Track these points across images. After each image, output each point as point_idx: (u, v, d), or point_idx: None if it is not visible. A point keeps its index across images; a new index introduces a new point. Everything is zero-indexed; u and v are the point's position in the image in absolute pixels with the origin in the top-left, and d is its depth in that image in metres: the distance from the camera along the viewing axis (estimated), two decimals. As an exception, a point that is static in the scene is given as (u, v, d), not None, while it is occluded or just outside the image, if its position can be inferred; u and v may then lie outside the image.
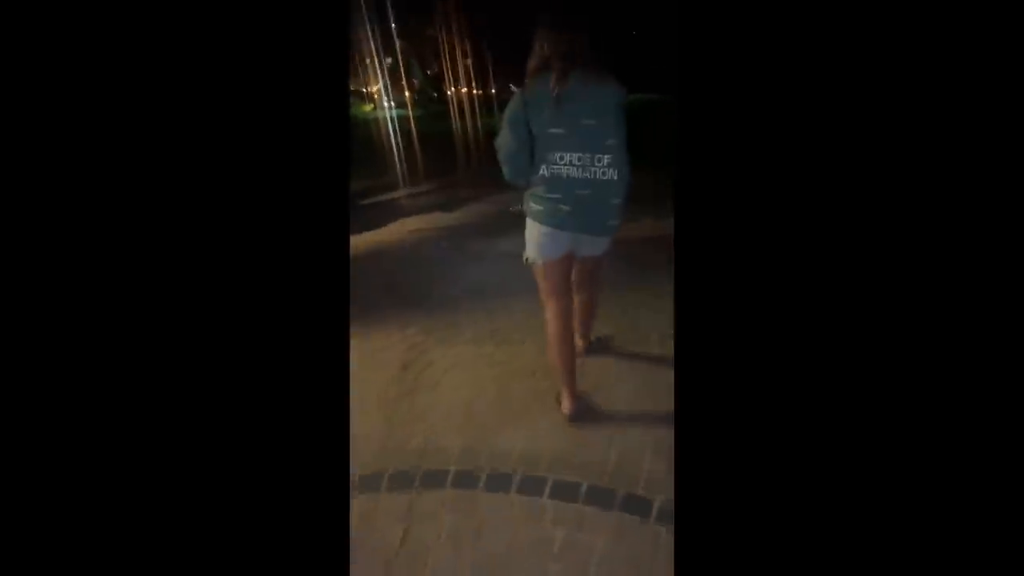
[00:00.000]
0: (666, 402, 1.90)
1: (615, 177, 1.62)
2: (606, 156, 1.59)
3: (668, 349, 2.26)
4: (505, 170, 1.69)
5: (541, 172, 1.64)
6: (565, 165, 1.60)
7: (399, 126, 12.55)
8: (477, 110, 18.75)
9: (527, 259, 1.81)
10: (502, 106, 2.17)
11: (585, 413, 1.91)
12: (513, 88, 1.90)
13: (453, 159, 8.77)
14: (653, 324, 2.46)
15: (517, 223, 1.86)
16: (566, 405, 1.90)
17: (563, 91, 1.54)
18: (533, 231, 1.74)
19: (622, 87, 1.59)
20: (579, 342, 2.17)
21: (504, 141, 1.65)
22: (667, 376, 2.07)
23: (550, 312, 1.85)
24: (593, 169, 1.61)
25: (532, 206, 1.71)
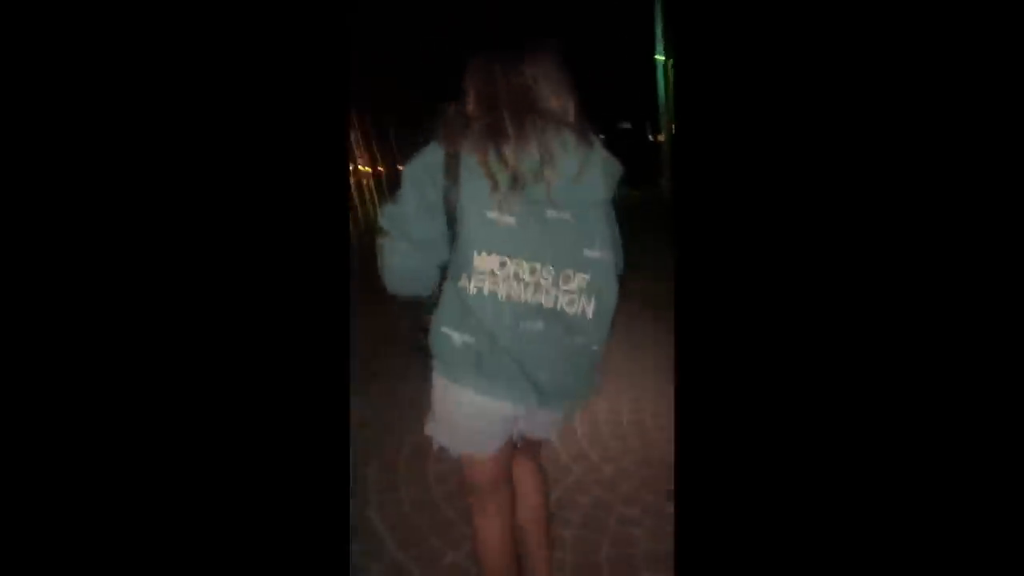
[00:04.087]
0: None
1: (589, 312, 0.96)
2: (579, 275, 0.94)
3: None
4: (388, 273, 0.97)
5: (460, 285, 0.94)
6: (506, 279, 0.92)
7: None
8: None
9: (436, 444, 1.08)
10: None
11: None
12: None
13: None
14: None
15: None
16: None
17: (519, 156, 0.88)
18: (446, 397, 1.00)
19: (617, 162, 0.96)
20: (537, 555, 1.28)
21: (394, 220, 0.95)
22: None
23: (481, 516, 1.15)
24: (554, 294, 0.94)
25: (442, 350, 0.97)
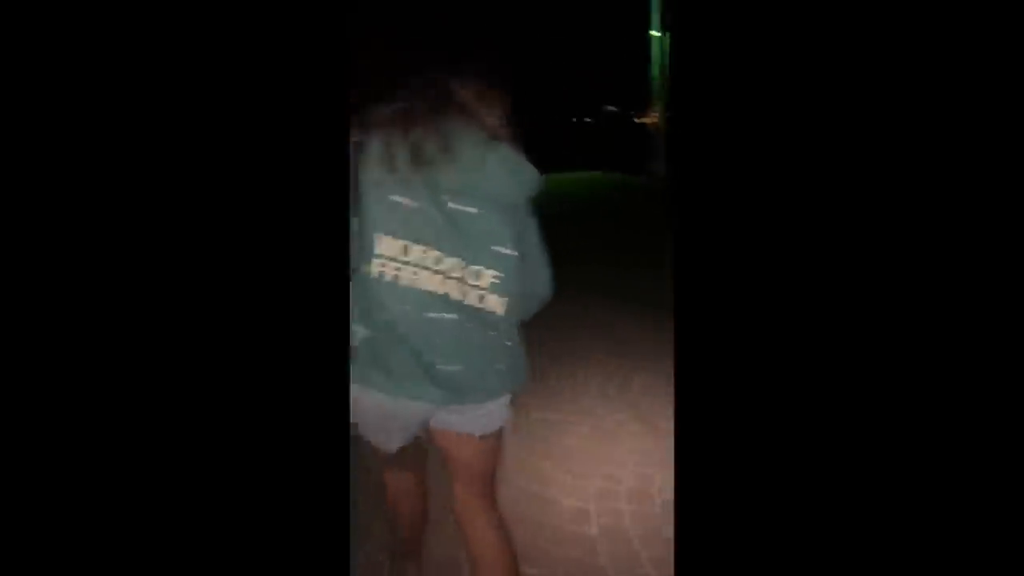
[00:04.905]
0: None
1: (500, 310, 0.94)
2: (490, 272, 0.93)
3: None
4: None
5: (364, 272, 0.91)
6: (410, 265, 0.90)
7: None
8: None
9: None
10: None
11: None
12: None
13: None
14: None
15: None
16: None
17: (424, 143, 0.89)
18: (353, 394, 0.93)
19: (532, 168, 0.95)
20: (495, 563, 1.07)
21: None
22: None
23: (387, 475, 1.17)
24: (463, 288, 0.93)
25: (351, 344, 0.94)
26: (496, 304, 0.95)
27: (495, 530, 1.08)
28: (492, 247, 0.93)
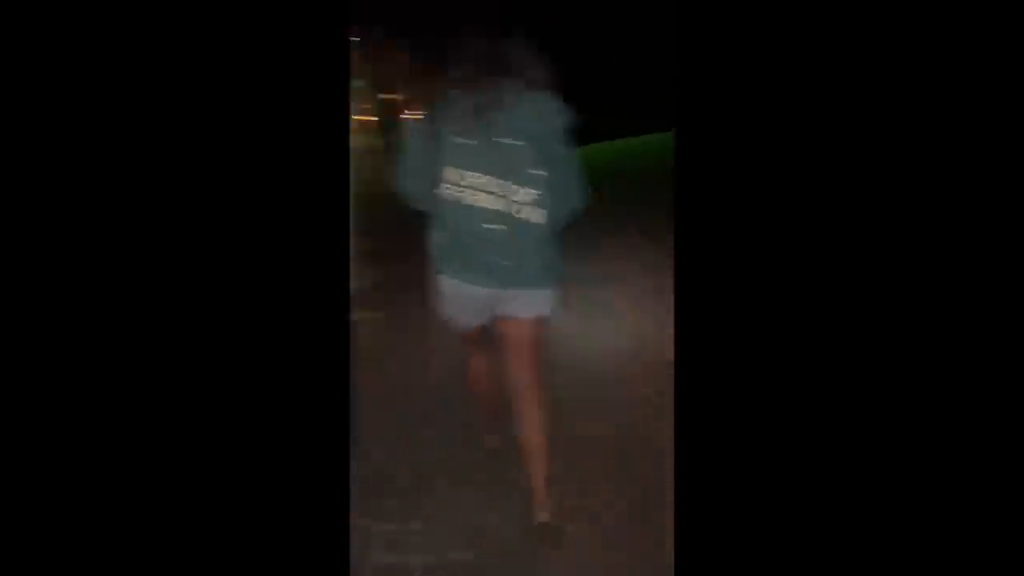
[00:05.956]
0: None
1: (537, 219, 1.28)
2: (527, 190, 1.26)
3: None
4: (399, 183, 1.36)
5: (438, 193, 1.28)
6: (470, 189, 1.26)
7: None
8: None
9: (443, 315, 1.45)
10: None
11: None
12: None
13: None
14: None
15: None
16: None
17: (482, 99, 1.23)
18: (439, 283, 1.38)
19: (563, 106, 1.27)
20: (538, 441, 1.49)
21: (403, 148, 1.35)
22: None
23: (471, 361, 1.64)
24: (512, 203, 1.27)
25: (432, 247, 1.36)
26: (533, 214, 1.26)
27: (538, 387, 1.48)
28: (528, 171, 1.24)
